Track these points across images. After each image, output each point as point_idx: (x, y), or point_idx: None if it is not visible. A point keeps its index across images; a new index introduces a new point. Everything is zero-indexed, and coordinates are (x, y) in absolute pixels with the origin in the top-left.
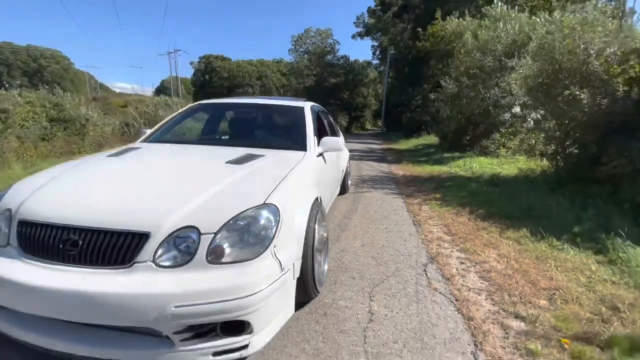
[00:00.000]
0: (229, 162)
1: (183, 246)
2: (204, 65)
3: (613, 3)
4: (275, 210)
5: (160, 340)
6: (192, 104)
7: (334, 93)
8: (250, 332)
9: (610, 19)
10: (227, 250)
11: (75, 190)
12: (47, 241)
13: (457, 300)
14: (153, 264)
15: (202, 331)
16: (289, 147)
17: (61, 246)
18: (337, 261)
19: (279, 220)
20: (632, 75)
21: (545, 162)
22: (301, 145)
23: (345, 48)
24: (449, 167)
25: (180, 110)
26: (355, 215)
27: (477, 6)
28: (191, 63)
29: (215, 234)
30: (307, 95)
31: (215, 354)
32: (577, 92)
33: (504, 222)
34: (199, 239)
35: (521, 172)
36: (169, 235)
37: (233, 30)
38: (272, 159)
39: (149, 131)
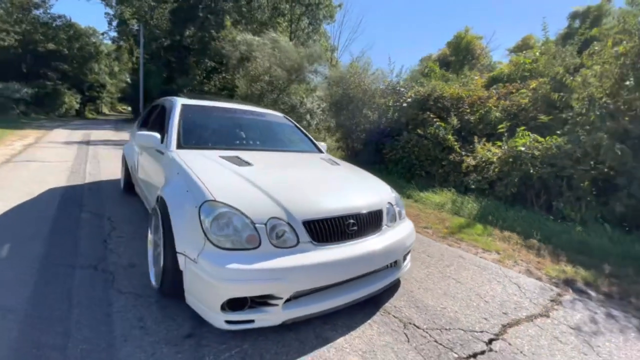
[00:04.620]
0: (332, 164)
1: (391, 214)
2: None
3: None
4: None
5: (390, 270)
6: (183, 107)
7: (51, 62)
8: (408, 258)
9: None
10: (402, 213)
11: (313, 191)
12: (333, 229)
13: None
14: (387, 226)
15: (401, 259)
16: (316, 150)
17: (347, 230)
18: None
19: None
20: (390, 104)
21: (339, 153)
22: (318, 149)
23: (63, 7)
24: None
25: (178, 112)
26: None
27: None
28: None
29: (395, 205)
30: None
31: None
32: (369, 112)
33: None
34: (394, 209)
35: None
36: (386, 209)
37: None
38: (333, 159)
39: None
